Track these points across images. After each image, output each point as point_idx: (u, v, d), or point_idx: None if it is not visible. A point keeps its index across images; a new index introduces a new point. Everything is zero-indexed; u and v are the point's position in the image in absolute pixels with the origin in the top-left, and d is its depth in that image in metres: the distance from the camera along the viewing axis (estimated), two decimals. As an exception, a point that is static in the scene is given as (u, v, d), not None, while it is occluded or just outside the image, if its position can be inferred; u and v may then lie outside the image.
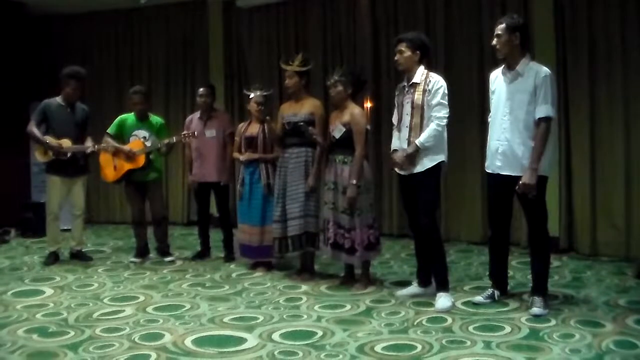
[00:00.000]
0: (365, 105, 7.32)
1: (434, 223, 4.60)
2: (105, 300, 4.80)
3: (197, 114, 6.38)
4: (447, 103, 4.50)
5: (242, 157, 5.77)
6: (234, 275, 5.64)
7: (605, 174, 6.08)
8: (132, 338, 3.88)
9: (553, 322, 4.02)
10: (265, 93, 5.74)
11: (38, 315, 4.40)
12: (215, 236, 6.54)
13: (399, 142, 4.64)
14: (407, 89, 4.60)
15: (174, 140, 6.11)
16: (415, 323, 4.09)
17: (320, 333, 3.92)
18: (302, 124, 5.15)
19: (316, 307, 4.51)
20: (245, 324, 4.15)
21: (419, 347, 3.63)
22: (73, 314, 4.42)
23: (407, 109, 4.56)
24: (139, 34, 9.07)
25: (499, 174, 4.34)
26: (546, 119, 4.16)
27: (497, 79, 4.46)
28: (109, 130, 6.26)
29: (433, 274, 4.64)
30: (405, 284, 5.06)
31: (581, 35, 6.15)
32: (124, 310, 4.50)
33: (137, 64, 9.07)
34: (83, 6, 8.72)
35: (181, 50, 8.82)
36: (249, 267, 5.83)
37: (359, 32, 7.58)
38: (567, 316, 4.13)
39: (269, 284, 5.24)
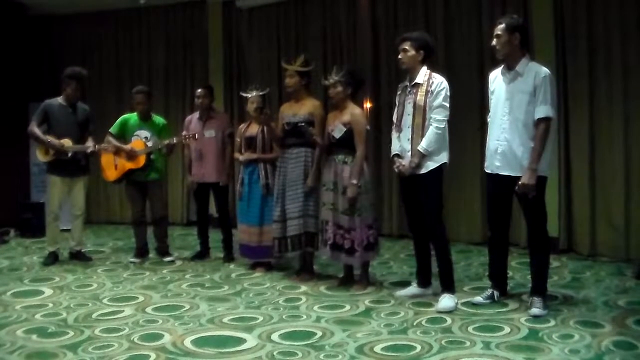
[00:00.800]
0: (364, 105, 7.32)
1: (441, 224, 4.58)
2: (104, 301, 4.80)
3: (197, 115, 6.39)
4: (448, 105, 4.49)
5: (241, 157, 5.77)
6: (233, 275, 5.64)
7: (605, 175, 6.08)
8: (132, 338, 3.88)
9: (552, 322, 4.02)
10: (261, 93, 5.73)
11: (37, 316, 4.39)
12: (215, 236, 6.54)
13: (399, 142, 4.62)
14: (409, 89, 4.59)
15: (175, 141, 6.11)
16: (414, 323, 4.09)
17: (319, 333, 3.92)
18: (303, 124, 5.15)
19: (315, 308, 4.51)
20: (244, 324, 4.15)
21: (419, 347, 3.63)
22: (72, 314, 4.41)
23: (409, 109, 4.55)
24: (139, 34, 9.08)
25: (498, 174, 4.34)
26: (545, 120, 4.16)
27: (496, 79, 4.45)
28: (111, 130, 6.26)
29: (439, 274, 4.61)
30: (404, 284, 5.06)
31: (580, 35, 6.15)
32: (123, 311, 4.50)
33: (137, 64, 9.08)
34: (83, 6, 8.72)
35: (181, 50, 8.83)
36: (249, 268, 5.83)
37: (358, 32, 7.59)
38: (567, 317, 4.13)
39: (268, 285, 5.24)
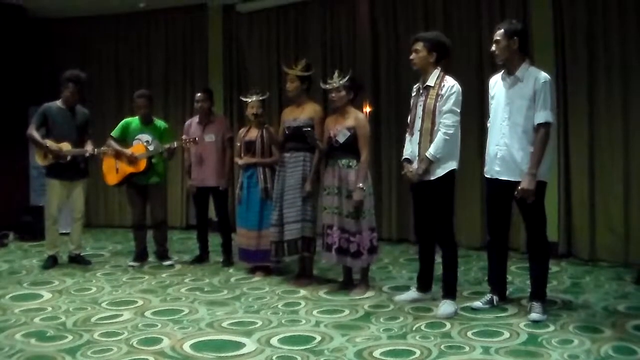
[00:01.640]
0: (364, 109, 7.33)
1: (450, 230, 4.55)
2: (103, 305, 4.79)
3: (196, 119, 6.39)
4: (459, 110, 4.42)
5: (240, 162, 5.78)
6: (232, 279, 5.64)
7: (604, 179, 6.07)
8: (131, 342, 3.87)
9: (552, 327, 4.02)
10: (261, 97, 5.74)
11: (36, 320, 4.39)
12: (214, 240, 6.54)
13: (410, 146, 4.58)
14: (421, 91, 4.54)
15: (175, 145, 6.11)
16: (414, 328, 4.08)
17: (318, 338, 3.91)
18: (308, 129, 5.12)
19: (315, 312, 4.51)
20: (243, 328, 4.14)
21: (418, 352, 3.63)
22: (71, 318, 4.41)
23: (419, 112, 4.50)
24: (139, 38, 9.09)
25: (497, 179, 4.33)
26: (545, 125, 4.15)
27: (496, 84, 4.45)
28: (112, 134, 6.27)
29: (442, 281, 4.58)
30: (404, 288, 5.06)
31: (580, 39, 6.15)
32: (122, 315, 4.49)
33: (137, 68, 9.09)
34: (83, 10, 8.73)
35: (181, 54, 8.85)
36: (248, 272, 5.82)
37: (358, 36, 7.60)
38: (566, 322, 4.13)
39: (267, 289, 5.23)
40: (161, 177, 6.35)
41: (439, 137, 4.39)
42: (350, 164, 4.95)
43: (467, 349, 3.67)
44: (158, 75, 8.94)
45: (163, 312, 4.58)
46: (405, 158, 4.62)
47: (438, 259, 4.80)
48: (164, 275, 5.85)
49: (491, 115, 4.46)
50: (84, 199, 6.38)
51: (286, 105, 5.76)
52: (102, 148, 6.20)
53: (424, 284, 4.77)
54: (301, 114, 5.30)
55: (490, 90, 4.50)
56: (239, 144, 5.86)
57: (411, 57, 4.57)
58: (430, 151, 4.40)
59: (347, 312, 4.50)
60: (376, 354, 3.63)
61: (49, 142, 6.05)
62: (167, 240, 6.51)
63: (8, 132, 7.87)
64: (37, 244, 7.44)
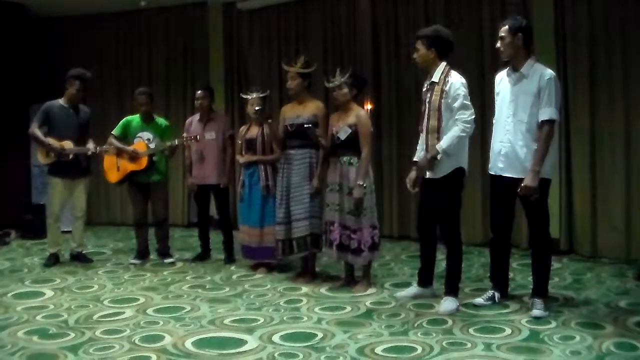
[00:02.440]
0: (365, 107, 7.33)
1: (456, 229, 4.53)
2: (105, 302, 4.80)
3: (197, 116, 6.39)
4: (470, 103, 4.37)
5: (241, 159, 5.78)
6: (234, 277, 5.64)
7: (606, 176, 6.07)
8: (133, 340, 3.88)
9: (553, 324, 4.02)
10: (261, 95, 5.73)
11: (38, 317, 4.40)
12: (216, 238, 6.54)
13: (422, 143, 4.54)
14: (428, 88, 4.52)
15: (176, 143, 6.11)
16: (415, 325, 4.08)
17: (320, 335, 3.91)
18: (309, 126, 5.13)
19: (316, 309, 4.51)
20: (245, 325, 4.15)
21: (419, 349, 3.63)
22: (73, 316, 4.42)
23: (427, 109, 4.48)
24: (139, 36, 9.08)
25: (501, 176, 4.32)
26: (550, 122, 4.13)
27: (501, 80, 4.42)
28: (113, 132, 6.27)
29: (445, 278, 4.58)
30: (405, 285, 5.06)
31: (581, 36, 6.14)
32: (124, 312, 4.50)
33: (138, 66, 9.08)
34: (83, 8, 8.72)
35: (181, 52, 8.83)
36: (250, 269, 5.83)
37: (358, 33, 7.59)
38: (568, 318, 4.13)
39: (269, 286, 5.24)
40: (162, 175, 6.35)
41: (454, 130, 4.32)
42: (352, 161, 4.95)
43: (469, 345, 3.67)
44: (159, 73, 8.93)
45: (165, 309, 4.58)
46: (414, 161, 4.60)
47: (439, 255, 4.81)
48: (165, 272, 5.86)
49: (496, 111, 4.44)
50: (86, 197, 6.38)
51: (287, 102, 5.76)
52: (103, 146, 6.20)
53: (424, 279, 4.77)
54: (304, 111, 5.30)
55: (495, 87, 4.48)
56: (240, 142, 5.86)
57: (413, 56, 4.57)
58: (442, 144, 4.33)
59: (348, 309, 4.51)
60: (378, 350, 3.63)
61: (51, 141, 6.06)
62: (168, 237, 6.51)
63: (9, 130, 7.88)
64: (39, 242, 7.45)
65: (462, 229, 6.80)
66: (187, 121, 6.54)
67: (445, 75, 4.42)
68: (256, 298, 4.87)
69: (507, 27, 4.24)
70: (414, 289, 4.79)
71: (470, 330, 3.94)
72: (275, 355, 3.59)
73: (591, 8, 6.08)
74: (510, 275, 4.95)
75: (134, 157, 6.10)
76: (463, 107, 4.35)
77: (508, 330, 3.92)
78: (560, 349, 3.56)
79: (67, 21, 9.04)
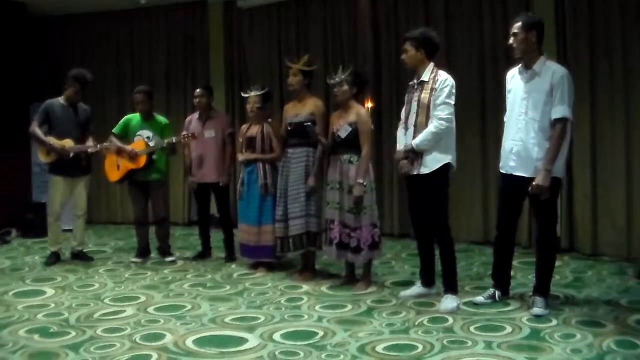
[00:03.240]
0: (366, 105, 7.32)
1: (445, 226, 4.54)
2: (106, 301, 4.80)
3: (196, 115, 6.39)
4: (452, 103, 4.43)
5: (240, 157, 5.79)
6: (234, 275, 5.64)
7: (606, 174, 6.07)
8: (133, 338, 3.88)
9: (554, 322, 4.02)
10: (259, 92, 5.72)
11: (39, 316, 4.40)
12: (216, 236, 6.55)
13: (404, 139, 4.58)
14: (416, 87, 4.55)
15: (174, 141, 6.11)
16: (416, 323, 4.09)
17: (321, 333, 3.92)
18: (308, 124, 5.14)
19: (317, 307, 4.51)
20: (246, 324, 4.15)
21: (420, 347, 3.63)
22: (74, 314, 4.42)
23: (414, 107, 4.51)
24: (140, 34, 9.08)
25: (512, 175, 4.28)
26: (562, 120, 4.09)
27: (513, 77, 4.38)
28: (114, 130, 6.28)
29: (442, 275, 4.60)
30: (406, 284, 5.06)
31: (582, 35, 6.14)
32: (125, 311, 4.50)
33: (138, 65, 9.08)
34: (84, 7, 8.73)
35: (182, 50, 8.83)
36: (250, 267, 5.83)
37: (359, 31, 7.59)
38: (568, 316, 4.13)
39: (270, 284, 5.24)
40: (162, 174, 6.35)
41: (429, 128, 4.39)
42: (352, 159, 4.95)
43: (470, 343, 3.67)
44: (159, 72, 8.93)
45: (166, 307, 4.59)
46: (399, 150, 4.63)
47: (437, 253, 4.81)
48: (166, 271, 5.86)
49: (507, 109, 4.39)
50: (86, 196, 6.38)
51: (287, 100, 5.76)
52: (104, 144, 6.20)
53: (427, 279, 4.78)
54: (303, 110, 5.31)
55: (506, 84, 4.44)
56: (241, 140, 5.87)
57: (402, 57, 4.61)
58: (415, 141, 4.41)
59: (349, 307, 4.51)
60: (379, 348, 3.63)
61: (51, 139, 6.06)
62: (169, 236, 6.51)
63: (10, 129, 7.89)
64: (39, 240, 7.46)
65: (462, 227, 6.95)
66: (187, 119, 6.54)
67: (435, 74, 4.48)
68: (257, 296, 4.87)
69: (520, 23, 4.18)
70: (417, 288, 4.79)
71: (471, 329, 3.94)
72: (276, 353, 3.59)
73: (592, 6, 6.08)
74: (511, 273, 4.94)
75: (133, 155, 6.10)
76: (445, 104, 4.40)
77: (509, 329, 3.92)
78: (561, 347, 3.56)
79: (68, 20, 9.05)
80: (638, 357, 3.44)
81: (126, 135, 6.26)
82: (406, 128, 4.59)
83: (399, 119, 4.70)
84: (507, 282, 4.61)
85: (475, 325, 3.99)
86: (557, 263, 5.59)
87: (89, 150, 6.16)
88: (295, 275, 5.42)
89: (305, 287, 5.11)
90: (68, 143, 6.07)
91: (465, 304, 4.47)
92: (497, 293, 4.50)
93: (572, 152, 6.24)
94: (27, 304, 4.71)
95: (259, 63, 8.29)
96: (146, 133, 6.21)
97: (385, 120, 7.36)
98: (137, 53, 9.09)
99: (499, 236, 4.54)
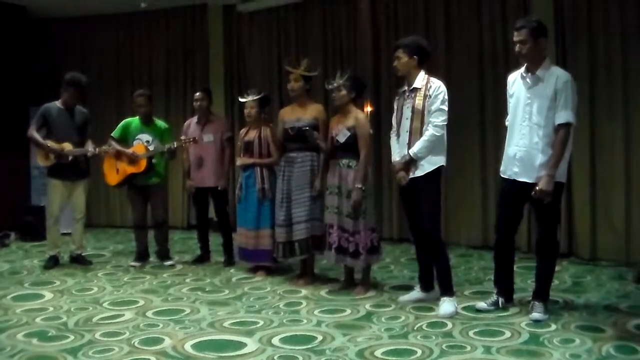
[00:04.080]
0: (365, 109, 7.33)
1: (437, 228, 4.59)
2: (105, 305, 4.80)
3: (195, 119, 6.39)
4: (446, 109, 4.49)
5: (238, 162, 5.79)
6: (233, 279, 5.64)
7: (605, 178, 6.06)
8: (132, 342, 3.87)
9: (553, 327, 4.01)
10: (255, 97, 5.72)
11: (38, 320, 4.39)
12: (215, 240, 6.54)
13: (398, 146, 4.63)
14: (407, 94, 4.59)
15: (175, 146, 6.11)
16: (415, 328, 4.08)
17: (320, 338, 3.91)
18: (307, 129, 5.15)
19: (316, 312, 4.51)
20: (245, 328, 4.15)
21: (419, 352, 3.63)
22: (73, 318, 4.41)
23: (407, 113, 4.55)
24: (139, 38, 9.09)
25: (515, 180, 4.27)
26: (566, 125, 4.08)
27: (515, 82, 4.36)
28: (113, 134, 6.27)
29: (437, 278, 4.62)
30: (405, 288, 5.06)
31: (581, 36, 6.14)
32: (123, 315, 4.49)
33: (137, 68, 9.09)
34: (83, 10, 8.74)
35: (181, 54, 8.84)
36: (249, 271, 5.82)
37: (359, 36, 7.60)
38: (568, 321, 4.13)
39: (269, 289, 5.23)
40: (162, 178, 6.35)
41: (426, 135, 4.43)
42: (350, 163, 4.95)
43: (469, 348, 3.67)
44: (159, 75, 8.94)
45: (164, 312, 4.58)
46: (396, 161, 4.65)
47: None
48: (165, 275, 5.86)
49: (510, 114, 4.38)
50: (85, 199, 6.38)
51: (286, 104, 5.76)
52: (103, 147, 6.20)
53: (426, 284, 4.77)
54: (305, 114, 5.30)
55: (508, 89, 4.42)
56: (239, 144, 5.87)
57: (394, 64, 4.64)
58: (414, 149, 4.46)
59: (348, 311, 4.50)
60: (377, 353, 3.63)
61: (50, 143, 6.05)
62: (168, 240, 6.51)
63: (9, 132, 7.88)
64: (38, 244, 7.45)
65: (461, 231, 6.95)
66: (186, 123, 6.54)
67: (427, 81, 4.53)
68: (256, 301, 4.86)
69: (527, 30, 4.12)
70: (417, 293, 4.78)
71: (470, 333, 3.93)
72: (275, 358, 3.58)
73: (591, 8, 6.08)
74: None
75: (132, 159, 6.10)
76: (439, 110, 4.45)
77: (508, 333, 3.91)
78: (560, 352, 3.55)
79: (67, 23, 9.05)
80: (637, 363, 3.44)
81: (125, 139, 6.25)
82: (398, 135, 4.63)
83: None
84: (511, 289, 4.58)
85: (474, 330, 3.99)
86: (557, 268, 5.61)
87: (87, 153, 6.16)
88: (294, 280, 5.42)
89: (304, 291, 5.11)
90: (66, 146, 6.07)
91: (464, 308, 4.47)
92: (500, 300, 4.46)
93: (570, 156, 6.26)
94: (25, 308, 4.70)
95: (259, 67, 8.30)
96: (145, 137, 6.21)
97: (385, 124, 7.35)
98: (137, 57, 9.10)
99: (499, 241, 4.52)
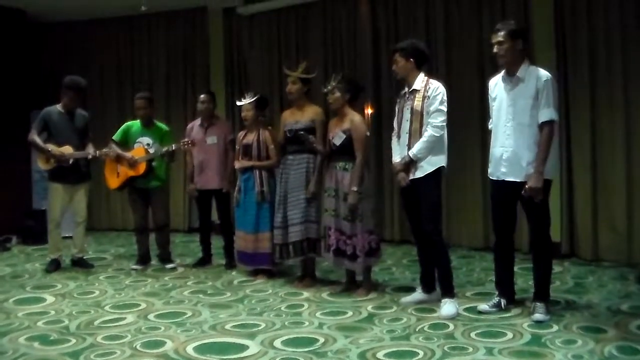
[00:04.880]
0: (366, 111, 7.33)
1: (438, 228, 4.60)
2: (106, 308, 4.80)
3: (198, 121, 6.40)
4: (445, 110, 4.51)
5: (236, 165, 5.79)
6: (235, 282, 5.64)
7: (606, 179, 6.06)
8: (134, 345, 3.87)
9: (555, 328, 4.01)
10: (251, 100, 5.71)
11: (39, 323, 4.39)
12: (217, 243, 6.54)
13: (399, 147, 4.65)
14: (407, 96, 4.62)
15: (174, 148, 6.11)
16: (417, 329, 4.08)
17: (322, 340, 3.91)
18: (302, 132, 5.17)
19: (318, 314, 4.51)
20: (247, 331, 4.15)
21: (421, 353, 3.63)
22: (74, 322, 4.41)
23: (407, 115, 4.59)
24: (140, 41, 9.10)
25: (503, 181, 4.31)
26: (550, 123, 4.15)
27: (497, 85, 4.44)
28: (114, 137, 6.28)
29: (438, 279, 4.63)
30: (407, 290, 5.06)
31: (581, 40, 6.14)
32: (125, 318, 4.49)
33: (138, 72, 9.10)
34: (84, 13, 8.74)
35: (182, 57, 8.85)
36: (250, 274, 5.82)
37: (359, 38, 7.60)
38: (569, 322, 4.12)
39: (270, 291, 5.23)
40: (162, 181, 6.34)
41: (425, 137, 4.47)
42: (347, 166, 4.96)
43: (471, 349, 3.66)
44: (159, 78, 8.94)
45: (166, 314, 4.58)
46: (396, 162, 4.67)
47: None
48: (166, 278, 5.86)
49: (493, 117, 4.45)
50: (86, 203, 6.38)
51: (288, 107, 5.76)
52: (103, 150, 6.20)
53: (427, 285, 4.77)
54: (303, 117, 5.31)
55: (490, 92, 4.50)
56: (238, 147, 5.87)
57: (393, 68, 4.69)
58: (413, 151, 4.49)
59: (350, 313, 4.50)
60: (380, 355, 3.63)
61: (50, 146, 6.06)
62: (169, 243, 6.51)
63: (10, 136, 7.88)
64: (39, 247, 7.46)
65: (462, 233, 6.95)
66: (188, 126, 6.54)
67: (426, 83, 4.56)
68: (257, 303, 4.86)
69: (505, 32, 4.23)
70: (418, 295, 4.78)
71: (472, 335, 3.93)
72: (277, 360, 3.59)
73: (591, 8, 6.09)
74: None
75: (132, 163, 6.10)
76: (438, 111, 4.49)
77: (510, 335, 3.91)
78: (562, 353, 3.55)
79: (67, 26, 9.06)
80: (639, 363, 3.44)
81: (126, 142, 6.26)
82: (399, 136, 4.66)
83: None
84: (512, 290, 4.59)
85: (476, 332, 3.99)
86: (558, 269, 5.64)
87: (88, 156, 6.16)
88: (296, 283, 5.42)
89: (306, 293, 5.11)
90: (67, 150, 6.08)
91: (466, 310, 4.46)
92: (502, 301, 4.46)
93: (571, 156, 6.27)
94: (27, 312, 4.70)
95: (259, 70, 8.30)
96: (146, 140, 6.21)
97: (385, 127, 7.36)
98: (137, 60, 9.11)
99: (498, 242, 4.54)
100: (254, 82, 8.11)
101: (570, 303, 4.64)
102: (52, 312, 4.68)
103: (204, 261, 6.43)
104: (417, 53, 4.61)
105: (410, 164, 4.53)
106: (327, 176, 5.12)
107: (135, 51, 9.12)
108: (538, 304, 4.24)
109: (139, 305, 4.87)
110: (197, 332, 4.14)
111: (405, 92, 4.66)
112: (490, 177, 4.45)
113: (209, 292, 5.29)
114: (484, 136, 6.74)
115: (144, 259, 6.38)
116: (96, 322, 4.40)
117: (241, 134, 5.92)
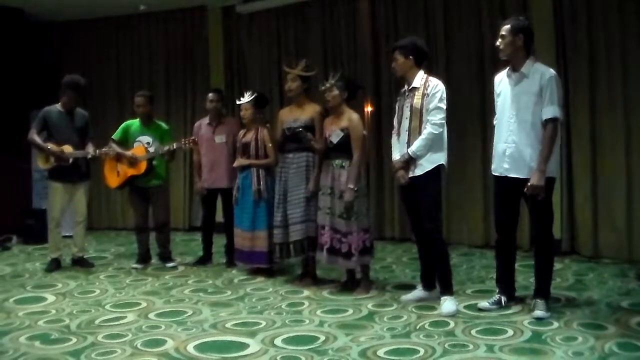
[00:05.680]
0: (365, 109, 7.33)
1: (438, 226, 4.60)
2: (107, 307, 4.80)
3: (206, 120, 6.37)
4: (444, 107, 4.50)
5: (235, 163, 5.80)
6: (235, 280, 5.64)
7: (607, 176, 6.06)
8: (135, 344, 3.87)
9: (556, 324, 4.01)
10: (248, 99, 5.72)
11: (40, 322, 4.39)
12: (217, 242, 6.54)
13: (398, 145, 4.65)
14: (407, 94, 4.62)
15: (174, 147, 6.11)
16: (417, 327, 4.08)
17: (322, 338, 3.91)
18: (300, 130, 5.16)
19: (318, 312, 4.51)
20: (247, 329, 4.15)
21: (422, 351, 3.63)
22: (75, 321, 4.41)
23: (407, 113, 4.59)
24: (139, 40, 9.10)
25: (506, 177, 4.31)
26: (553, 120, 4.14)
27: (502, 81, 4.44)
28: (114, 136, 6.28)
29: (437, 277, 4.63)
30: (407, 287, 5.06)
31: (581, 38, 6.14)
32: (126, 317, 4.49)
33: (138, 70, 9.10)
34: (83, 13, 8.74)
35: (181, 56, 8.85)
36: (251, 273, 5.82)
37: (359, 37, 7.60)
38: (570, 319, 4.13)
39: (271, 289, 5.24)
40: (163, 179, 6.34)
41: (424, 134, 4.47)
42: (343, 164, 4.96)
43: (471, 347, 3.67)
44: (159, 77, 8.95)
45: (167, 313, 4.58)
46: (396, 160, 4.67)
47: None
48: (167, 277, 5.86)
49: (497, 112, 4.45)
50: (87, 202, 6.39)
51: (287, 105, 5.76)
52: (103, 149, 6.20)
53: (428, 282, 4.77)
54: (302, 115, 5.31)
55: (495, 88, 4.50)
56: (238, 146, 5.87)
57: (392, 66, 4.69)
58: (412, 148, 4.49)
59: (350, 311, 4.50)
60: (380, 353, 3.63)
61: (50, 145, 6.06)
62: (169, 242, 6.51)
63: (10, 135, 7.89)
64: (40, 247, 7.46)
65: (462, 231, 6.95)
66: (196, 125, 6.51)
67: (426, 80, 4.56)
68: (258, 301, 4.87)
69: (508, 26, 4.26)
70: (419, 292, 4.78)
71: (472, 332, 3.93)
72: (278, 358, 3.58)
73: (590, 7, 6.08)
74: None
75: (133, 161, 6.10)
76: (437, 108, 4.49)
77: (510, 332, 3.91)
78: (563, 350, 3.55)
79: (67, 25, 9.07)
80: (640, 360, 3.44)
81: (126, 141, 6.26)
82: (399, 134, 4.67)
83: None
84: (512, 287, 4.59)
85: (477, 329, 3.99)
86: (559, 266, 5.64)
87: (88, 155, 6.16)
88: (296, 281, 5.42)
89: (306, 292, 5.11)
90: (67, 149, 6.08)
91: (467, 307, 4.46)
92: (503, 299, 4.46)
93: (571, 154, 6.27)
94: (27, 311, 4.70)
95: (259, 68, 8.30)
96: (146, 139, 6.21)
97: (385, 125, 7.36)
98: (137, 59, 9.11)
99: (500, 239, 4.54)
100: (254, 80, 8.11)
101: (571, 300, 4.64)
102: (53, 312, 4.68)
103: (205, 260, 6.42)
104: (416, 51, 4.61)
105: (410, 161, 4.53)
106: (323, 174, 5.10)
107: (135, 50, 9.13)
108: (538, 301, 4.24)
109: (140, 304, 4.87)
110: (197, 331, 4.14)
111: (404, 90, 4.66)
112: (494, 173, 4.44)
113: (209, 290, 5.29)
114: (484, 134, 6.78)
115: (144, 258, 6.38)
116: (97, 321, 4.40)
117: (241, 132, 5.92)
